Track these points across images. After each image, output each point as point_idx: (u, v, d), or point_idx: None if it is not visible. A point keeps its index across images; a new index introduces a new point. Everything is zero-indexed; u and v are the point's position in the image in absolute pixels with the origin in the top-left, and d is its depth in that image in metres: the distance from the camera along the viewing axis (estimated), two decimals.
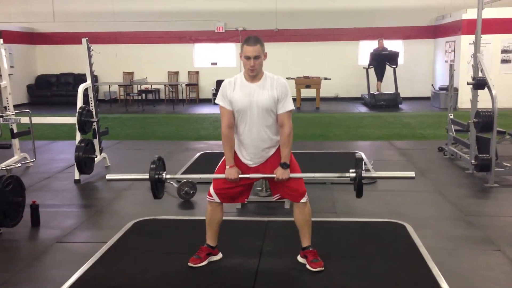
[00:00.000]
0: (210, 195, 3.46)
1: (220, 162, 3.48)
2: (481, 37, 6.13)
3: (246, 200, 3.55)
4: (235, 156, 3.38)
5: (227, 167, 3.31)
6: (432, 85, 14.47)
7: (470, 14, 12.11)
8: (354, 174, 3.27)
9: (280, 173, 3.28)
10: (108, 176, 3.56)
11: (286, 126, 3.28)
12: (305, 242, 3.48)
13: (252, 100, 3.24)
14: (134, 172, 6.29)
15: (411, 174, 3.35)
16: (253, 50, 3.21)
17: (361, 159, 3.30)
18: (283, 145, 3.29)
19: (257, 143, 3.33)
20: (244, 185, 3.42)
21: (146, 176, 3.35)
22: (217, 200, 3.44)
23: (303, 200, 3.39)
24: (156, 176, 3.35)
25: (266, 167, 3.37)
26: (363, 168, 3.26)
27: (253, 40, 3.24)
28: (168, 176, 3.42)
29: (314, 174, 3.41)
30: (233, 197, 3.46)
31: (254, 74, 3.25)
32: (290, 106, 3.29)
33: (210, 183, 3.54)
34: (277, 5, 15.02)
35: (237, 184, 3.35)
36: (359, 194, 3.31)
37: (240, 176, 3.31)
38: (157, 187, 3.38)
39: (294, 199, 3.41)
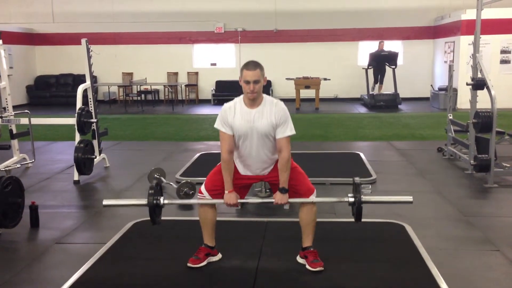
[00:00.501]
0: (201, 193, 3.46)
1: (215, 168, 3.47)
2: (480, 37, 6.13)
3: (239, 205, 3.54)
4: (235, 170, 3.39)
5: (226, 191, 3.32)
6: (432, 85, 14.48)
7: (469, 14, 12.12)
8: (352, 199, 3.30)
9: (278, 198, 3.31)
10: (105, 202, 3.51)
11: (284, 151, 3.28)
12: (307, 242, 3.48)
13: (252, 126, 3.26)
14: (133, 173, 6.33)
15: (409, 198, 3.39)
16: (253, 74, 3.22)
17: (360, 184, 3.32)
18: (281, 170, 3.30)
19: (258, 164, 3.38)
20: (242, 186, 3.43)
21: (144, 201, 3.33)
22: (208, 197, 3.42)
23: (312, 197, 3.39)
24: (154, 202, 3.33)
25: (268, 176, 3.42)
26: (362, 193, 3.29)
27: (252, 64, 3.26)
28: (166, 202, 3.41)
29: (313, 199, 3.43)
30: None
31: (253, 98, 3.26)
32: (289, 132, 3.30)
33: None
34: (276, 6, 15.02)
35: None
36: (358, 218, 3.33)
37: (240, 201, 3.34)
38: (154, 212, 3.37)
39: (304, 196, 3.40)
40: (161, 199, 3.39)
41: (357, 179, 3.36)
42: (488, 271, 3.48)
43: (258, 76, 3.23)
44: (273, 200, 3.34)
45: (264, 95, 3.35)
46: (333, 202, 3.38)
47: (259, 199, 3.36)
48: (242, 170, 3.42)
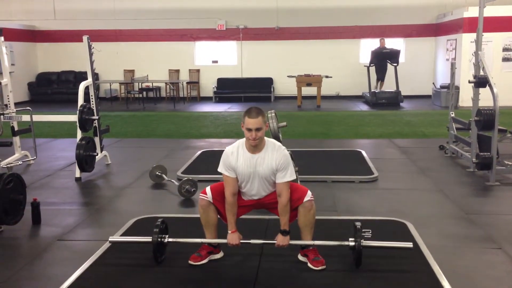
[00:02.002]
0: (205, 193, 3.45)
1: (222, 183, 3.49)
2: (482, 35, 6.12)
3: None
4: (238, 195, 3.46)
5: (229, 232, 3.38)
6: (433, 83, 14.45)
7: (472, 12, 12.10)
8: (353, 244, 3.34)
9: (280, 240, 3.37)
10: (111, 238, 3.66)
11: (283, 196, 3.33)
12: (306, 240, 3.47)
13: (254, 171, 3.34)
14: (135, 170, 6.33)
15: (409, 245, 3.43)
16: (255, 122, 3.25)
17: (360, 229, 3.37)
18: (281, 214, 3.35)
19: (259, 197, 3.48)
20: (242, 207, 3.50)
21: (149, 239, 3.43)
22: (210, 199, 3.43)
23: (306, 198, 3.38)
24: (159, 240, 3.43)
25: (267, 199, 3.48)
26: (362, 237, 3.35)
27: (254, 112, 3.29)
28: (170, 240, 3.50)
29: (314, 242, 3.45)
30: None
31: (255, 144, 3.30)
32: (288, 177, 3.35)
33: (211, 181, 3.53)
34: (278, 3, 15.00)
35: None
36: (358, 263, 3.36)
37: (242, 241, 3.40)
38: (158, 250, 3.45)
39: (299, 202, 3.40)
40: (166, 237, 3.49)
41: (358, 223, 3.42)
42: (489, 269, 3.47)
43: (260, 124, 3.26)
44: (275, 242, 3.39)
45: (266, 139, 3.39)
46: (334, 246, 3.43)
47: (261, 241, 3.47)
48: (243, 196, 3.51)
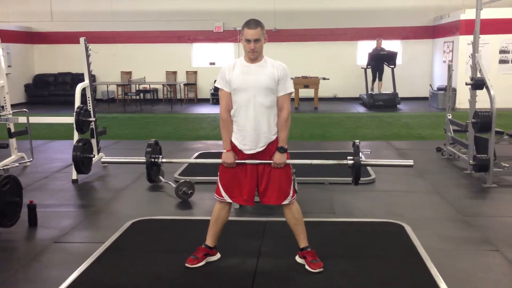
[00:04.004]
0: (221, 196, 3.42)
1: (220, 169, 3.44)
2: (479, 37, 6.13)
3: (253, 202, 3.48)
4: (233, 144, 3.36)
5: (224, 151, 3.33)
6: (431, 85, 14.48)
7: (468, 14, 12.12)
8: (352, 161, 3.29)
9: (277, 158, 3.29)
10: (104, 159, 3.71)
11: (284, 109, 3.30)
12: (302, 243, 3.47)
13: (251, 79, 3.24)
14: (132, 172, 6.31)
15: (410, 162, 3.37)
16: (254, 33, 3.20)
17: (358, 147, 3.34)
18: (281, 128, 3.31)
19: (256, 129, 3.27)
20: (246, 178, 3.35)
21: (142, 159, 3.34)
22: (228, 200, 3.40)
23: (285, 202, 3.36)
24: (151, 160, 3.32)
25: (265, 156, 3.34)
26: (361, 156, 3.30)
27: (253, 23, 3.23)
28: (164, 160, 3.43)
29: (311, 161, 3.41)
30: (241, 191, 3.38)
31: (254, 57, 3.25)
32: (290, 88, 3.32)
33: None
34: (275, 5, 15.01)
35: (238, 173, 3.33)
36: (356, 181, 3.32)
37: (237, 161, 3.31)
38: (152, 169, 3.39)
39: (276, 202, 3.36)
40: (160, 157, 3.43)
41: (357, 141, 3.35)
42: (487, 271, 3.47)
43: (259, 35, 3.22)
44: (271, 162, 3.31)
45: (265, 56, 3.34)
46: (333, 164, 3.38)
47: (256, 161, 3.31)
48: (239, 142, 3.32)
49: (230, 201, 3.42)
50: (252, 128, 3.27)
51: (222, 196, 3.41)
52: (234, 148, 3.35)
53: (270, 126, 3.31)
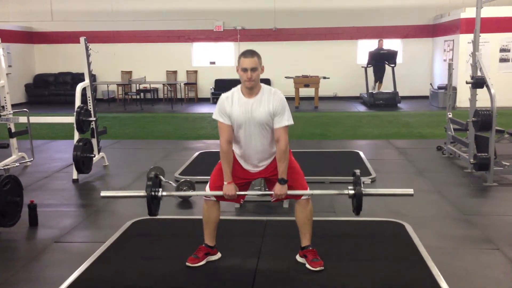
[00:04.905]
0: (206, 196, 3.44)
1: (216, 166, 3.45)
2: (479, 36, 6.12)
3: (241, 201, 3.52)
4: (236, 162, 3.37)
5: (225, 183, 3.29)
6: (431, 84, 14.47)
7: (469, 13, 12.11)
8: (353, 192, 3.25)
9: (278, 189, 3.27)
10: (103, 193, 3.50)
11: (281, 141, 3.24)
12: (305, 241, 3.47)
13: (250, 116, 3.23)
14: (132, 172, 6.32)
15: (410, 191, 3.33)
16: (250, 62, 3.19)
17: (359, 177, 3.28)
18: (279, 160, 3.26)
19: (256, 155, 3.34)
20: (242, 185, 3.40)
21: (142, 193, 3.29)
22: (213, 198, 3.42)
23: (304, 197, 3.37)
24: (152, 193, 3.30)
25: (267, 171, 3.38)
26: (362, 186, 3.25)
27: (250, 52, 3.24)
28: (164, 194, 3.36)
29: (312, 192, 3.39)
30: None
31: (251, 86, 3.22)
32: (286, 121, 3.26)
33: (207, 183, 3.52)
34: (275, 4, 15.00)
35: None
36: (358, 211, 3.28)
37: (238, 193, 3.30)
38: (152, 203, 3.32)
39: (295, 197, 3.39)
40: (160, 190, 3.35)
41: (357, 171, 3.33)
42: (487, 270, 3.47)
43: (256, 64, 3.20)
44: (272, 193, 3.31)
45: (262, 84, 3.32)
46: (333, 195, 3.34)
47: (258, 191, 3.30)
48: (242, 163, 3.38)
49: (214, 199, 3.41)
50: (253, 154, 3.33)
51: (208, 195, 3.41)
52: (237, 166, 3.36)
53: (270, 153, 3.36)
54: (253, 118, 3.23)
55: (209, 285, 3.26)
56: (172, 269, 3.46)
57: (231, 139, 3.30)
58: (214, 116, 3.32)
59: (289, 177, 3.29)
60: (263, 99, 3.25)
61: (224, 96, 3.31)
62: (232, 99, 3.27)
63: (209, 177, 3.52)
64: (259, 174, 3.44)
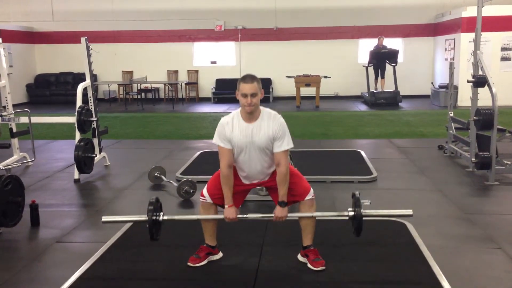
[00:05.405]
0: (203, 196, 3.45)
1: (217, 172, 3.45)
2: (481, 34, 6.11)
3: (239, 206, 3.53)
4: (236, 176, 3.40)
5: (226, 206, 3.31)
6: (432, 83, 14.46)
7: (470, 11, 12.10)
8: (353, 213, 3.28)
9: (278, 212, 3.30)
10: (104, 218, 3.49)
11: (282, 165, 3.26)
12: (307, 241, 3.47)
13: (251, 141, 3.26)
14: (134, 171, 6.32)
15: (409, 212, 3.36)
16: (250, 87, 3.20)
17: (359, 199, 3.30)
18: (280, 184, 3.28)
19: (256, 175, 3.40)
20: (240, 192, 3.43)
21: (144, 217, 3.31)
22: (210, 200, 3.42)
23: (308, 197, 3.37)
24: (153, 218, 3.31)
25: (268, 181, 3.43)
26: (362, 207, 3.28)
27: (249, 78, 3.24)
28: (165, 218, 3.38)
29: (312, 214, 3.41)
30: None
31: (251, 111, 3.23)
32: (286, 146, 3.29)
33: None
34: (276, 4, 14.99)
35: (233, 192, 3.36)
36: (358, 233, 3.31)
37: (239, 216, 3.32)
38: (154, 227, 3.34)
39: (299, 198, 3.40)
40: (161, 215, 3.38)
41: (357, 192, 3.34)
42: (489, 269, 3.47)
43: (256, 89, 3.21)
44: (272, 216, 3.33)
45: (262, 108, 3.33)
46: (333, 217, 3.39)
47: (259, 214, 3.40)
48: (242, 179, 3.44)
49: (211, 201, 3.42)
50: (253, 174, 3.39)
51: (204, 197, 3.43)
52: (236, 180, 3.39)
53: (271, 171, 3.41)
54: (253, 143, 3.26)
55: (210, 285, 3.27)
56: (173, 269, 3.46)
57: (231, 163, 3.32)
58: (214, 141, 3.35)
59: (289, 181, 3.31)
60: (262, 124, 3.27)
61: (224, 121, 3.33)
62: (233, 124, 3.29)
63: (210, 176, 3.52)
64: (259, 184, 3.50)
